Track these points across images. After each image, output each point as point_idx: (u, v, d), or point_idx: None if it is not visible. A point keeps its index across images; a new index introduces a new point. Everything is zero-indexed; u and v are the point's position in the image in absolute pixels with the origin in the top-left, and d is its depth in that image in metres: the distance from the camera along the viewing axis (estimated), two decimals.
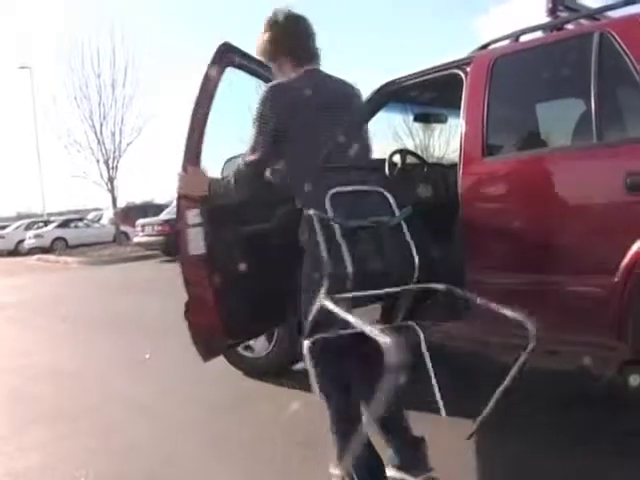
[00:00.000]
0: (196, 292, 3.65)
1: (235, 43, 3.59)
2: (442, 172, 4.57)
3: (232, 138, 3.73)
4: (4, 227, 32.19)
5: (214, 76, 3.52)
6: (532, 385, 4.00)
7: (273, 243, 3.53)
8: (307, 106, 2.73)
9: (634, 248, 2.91)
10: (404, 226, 2.60)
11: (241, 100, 4.03)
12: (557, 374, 3.88)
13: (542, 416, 3.64)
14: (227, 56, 3.60)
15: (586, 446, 3.21)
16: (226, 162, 3.92)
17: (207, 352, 3.80)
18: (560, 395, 3.91)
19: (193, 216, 3.47)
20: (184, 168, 3.41)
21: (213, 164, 3.95)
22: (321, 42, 2.97)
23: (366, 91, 4.42)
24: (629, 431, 3.27)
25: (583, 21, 3.77)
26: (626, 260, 2.94)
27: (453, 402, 3.56)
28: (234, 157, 3.70)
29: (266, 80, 4.17)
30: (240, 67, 3.77)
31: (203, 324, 3.65)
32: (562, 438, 3.35)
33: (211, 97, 3.51)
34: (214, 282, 3.49)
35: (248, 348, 4.82)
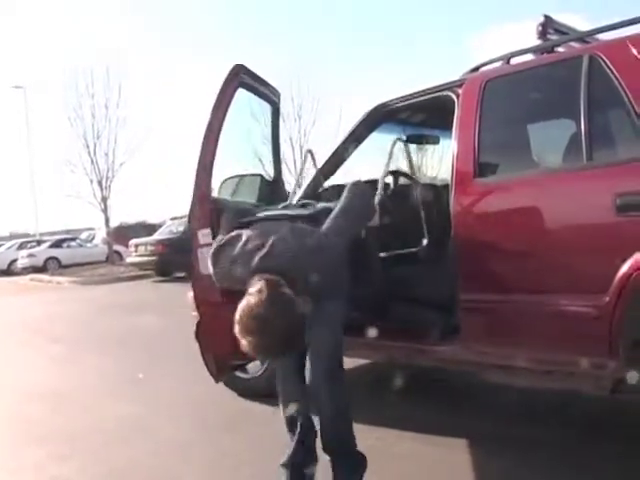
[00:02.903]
0: (208, 312, 3.66)
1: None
2: (435, 192, 4.59)
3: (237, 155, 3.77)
4: None
5: (227, 95, 3.59)
6: (526, 404, 4.03)
7: None
8: None
9: (624, 268, 2.93)
10: None
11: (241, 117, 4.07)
12: (550, 394, 3.89)
13: (537, 433, 3.66)
14: (240, 77, 3.68)
15: (577, 467, 3.23)
16: (222, 182, 3.94)
17: (218, 372, 3.83)
18: (552, 413, 3.92)
19: (204, 236, 3.49)
20: (197, 185, 3.45)
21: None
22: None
23: (360, 112, 4.48)
24: (620, 452, 3.29)
25: (573, 44, 3.81)
26: (617, 279, 2.96)
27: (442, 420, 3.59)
28: (229, 177, 3.74)
29: (271, 103, 4.23)
30: (249, 88, 3.84)
31: (215, 344, 3.66)
32: (553, 456, 3.37)
33: (223, 116, 3.56)
34: (226, 301, 3.49)
35: (242, 369, 4.81)
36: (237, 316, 2.70)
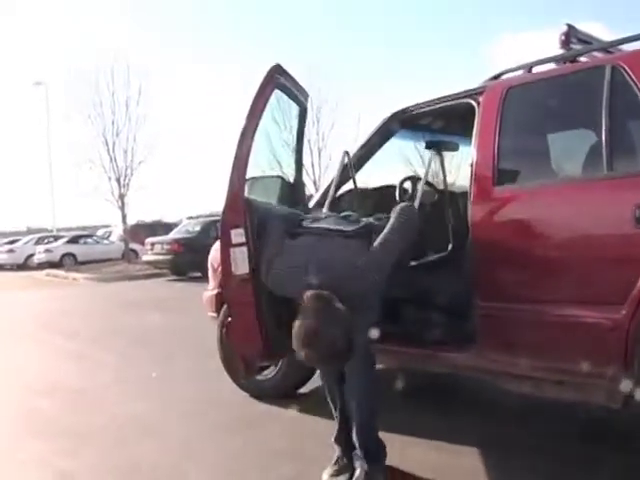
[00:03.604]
0: (238, 312, 3.67)
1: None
2: (453, 199, 4.59)
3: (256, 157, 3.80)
4: (14, 241, 32.32)
5: (265, 96, 3.61)
6: (537, 414, 4.01)
7: None
8: None
9: None
10: None
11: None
12: (562, 405, 3.87)
13: (545, 444, 3.64)
14: (277, 77, 3.70)
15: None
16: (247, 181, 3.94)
17: (246, 372, 3.86)
18: (565, 425, 3.91)
19: (237, 235, 3.50)
20: (231, 184, 3.48)
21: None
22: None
23: (378, 118, 4.48)
24: (630, 465, 3.27)
25: (596, 54, 3.80)
26: (635, 291, 2.95)
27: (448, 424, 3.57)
28: (251, 178, 3.76)
29: (300, 104, 4.25)
30: (283, 89, 3.87)
31: (244, 345, 3.67)
32: (564, 469, 3.36)
33: (260, 114, 3.58)
34: (258, 301, 3.51)
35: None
36: (294, 331, 2.96)
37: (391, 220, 3.35)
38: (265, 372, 4.80)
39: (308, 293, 3.02)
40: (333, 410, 3.60)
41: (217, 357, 5.08)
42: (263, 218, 3.54)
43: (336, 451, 3.53)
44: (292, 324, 3.06)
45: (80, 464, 3.86)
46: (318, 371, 3.84)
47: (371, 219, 3.71)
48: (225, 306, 4.59)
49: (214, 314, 5.19)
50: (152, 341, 7.97)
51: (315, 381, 4.94)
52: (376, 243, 3.24)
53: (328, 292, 3.02)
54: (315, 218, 3.73)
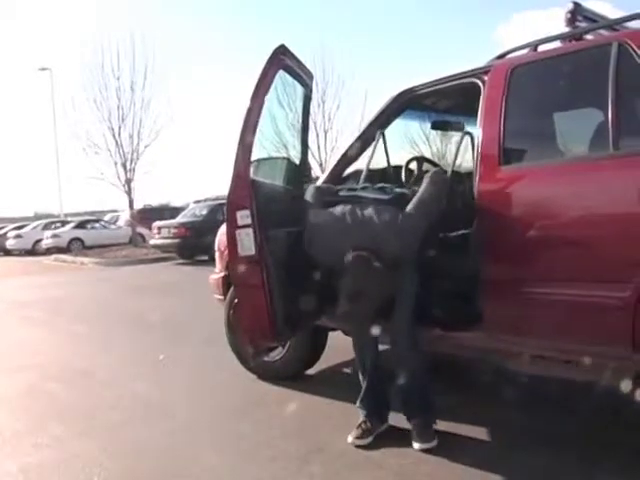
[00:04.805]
0: (245, 293, 3.69)
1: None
2: (458, 179, 4.57)
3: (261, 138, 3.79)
4: (22, 227, 32.37)
5: (269, 76, 3.61)
6: (546, 394, 4.01)
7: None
8: None
9: None
10: None
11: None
12: (571, 384, 3.87)
13: (555, 426, 3.65)
14: (282, 58, 3.69)
15: (594, 461, 3.22)
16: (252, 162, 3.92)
17: (254, 353, 3.89)
18: (574, 405, 3.92)
19: (243, 217, 3.51)
20: (236, 166, 3.49)
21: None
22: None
23: (384, 99, 4.46)
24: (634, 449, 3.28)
25: (602, 31, 3.77)
26: None
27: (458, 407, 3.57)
28: (257, 160, 3.76)
29: (305, 86, 4.24)
30: (288, 70, 3.85)
31: (252, 325, 3.69)
32: (572, 447, 3.37)
33: (264, 95, 3.58)
34: (264, 283, 3.53)
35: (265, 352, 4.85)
36: (339, 289, 3.29)
37: (423, 185, 3.59)
38: (273, 354, 4.83)
39: (350, 254, 3.28)
40: (361, 375, 3.80)
41: (225, 340, 5.10)
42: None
43: (360, 415, 3.73)
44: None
45: (92, 445, 3.90)
46: (351, 339, 3.95)
47: (405, 190, 3.88)
48: (232, 289, 4.60)
49: (221, 297, 5.21)
50: (160, 324, 7.99)
51: (323, 363, 4.98)
52: (410, 206, 3.48)
53: (368, 252, 3.27)
54: (351, 188, 3.91)
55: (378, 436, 3.65)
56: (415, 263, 3.59)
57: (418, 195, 3.54)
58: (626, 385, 3.14)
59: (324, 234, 3.52)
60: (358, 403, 3.76)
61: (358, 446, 3.56)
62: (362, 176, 4.42)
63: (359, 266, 3.27)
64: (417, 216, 3.44)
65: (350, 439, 3.59)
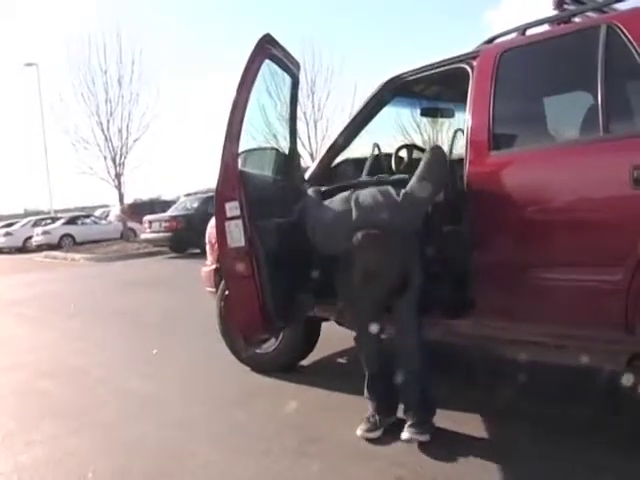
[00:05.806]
0: (236, 285, 3.66)
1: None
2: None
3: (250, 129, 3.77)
4: (12, 224, 32.24)
5: (255, 66, 3.58)
6: (538, 379, 4.00)
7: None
8: None
9: None
10: None
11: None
12: (564, 369, 3.86)
13: (548, 410, 3.65)
14: (267, 47, 3.66)
15: (585, 442, 3.24)
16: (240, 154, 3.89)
17: (245, 345, 3.88)
18: (566, 390, 3.91)
19: (232, 209, 3.48)
20: (224, 157, 3.47)
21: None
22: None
23: (373, 86, 4.42)
24: (631, 432, 3.28)
25: (590, 14, 3.75)
26: (634, 253, 2.93)
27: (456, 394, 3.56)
28: (246, 150, 3.73)
29: (292, 75, 4.21)
30: (274, 59, 3.82)
31: (242, 317, 3.67)
32: (566, 432, 3.37)
33: (251, 85, 3.55)
34: (255, 274, 3.51)
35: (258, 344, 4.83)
36: (354, 270, 3.34)
37: (423, 161, 3.59)
38: (266, 345, 4.81)
39: (359, 234, 3.30)
40: (365, 367, 3.71)
41: (218, 333, 5.08)
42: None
43: (369, 408, 3.65)
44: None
45: (85, 442, 3.88)
46: (352, 333, 3.86)
47: (405, 175, 3.86)
48: (223, 281, 4.58)
49: (213, 289, 5.18)
50: (152, 318, 7.97)
51: (316, 353, 4.96)
52: (411, 182, 3.51)
53: (376, 231, 3.30)
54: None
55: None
56: (416, 240, 3.56)
57: (417, 172, 3.54)
58: (620, 368, 3.14)
59: (329, 220, 3.50)
60: (366, 393, 3.70)
61: (368, 439, 3.51)
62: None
63: (370, 243, 3.30)
64: (417, 191, 3.44)
65: (359, 432, 3.54)
